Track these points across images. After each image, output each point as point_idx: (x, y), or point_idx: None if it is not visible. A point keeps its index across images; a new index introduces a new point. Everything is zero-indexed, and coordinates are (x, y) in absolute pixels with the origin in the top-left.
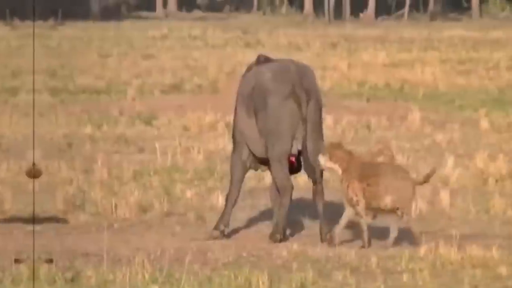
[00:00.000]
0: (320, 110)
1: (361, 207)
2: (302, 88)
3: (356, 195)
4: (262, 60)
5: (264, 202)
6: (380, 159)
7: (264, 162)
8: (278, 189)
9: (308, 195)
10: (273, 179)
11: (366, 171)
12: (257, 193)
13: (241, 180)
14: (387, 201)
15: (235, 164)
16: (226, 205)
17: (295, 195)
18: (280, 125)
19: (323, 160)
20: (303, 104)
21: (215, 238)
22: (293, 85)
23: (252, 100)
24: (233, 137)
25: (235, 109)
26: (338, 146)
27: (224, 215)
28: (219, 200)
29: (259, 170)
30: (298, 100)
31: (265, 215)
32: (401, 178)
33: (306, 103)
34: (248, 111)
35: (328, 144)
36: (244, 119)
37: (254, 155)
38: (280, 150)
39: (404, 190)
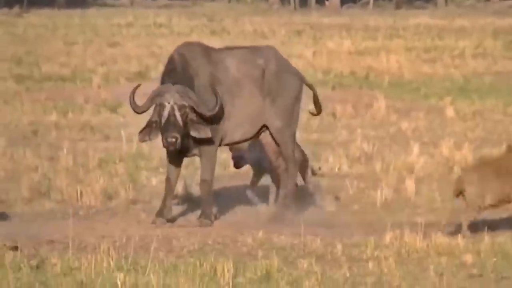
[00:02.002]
0: None
1: None
2: None
3: None
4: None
5: (229, 189)
6: None
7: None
8: (290, 164)
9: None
10: (287, 157)
11: None
12: (222, 180)
13: None
14: None
15: (215, 154)
16: (208, 194)
17: (262, 182)
18: (297, 105)
19: None
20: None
21: (206, 226)
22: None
23: (266, 81)
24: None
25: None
26: None
27: (208, 205)
28: (184, 188)
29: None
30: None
31: (229, 202)
32: None
33: None
34: (255, 93)
35: None
36: (245, 101)
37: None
38: (295, 128)
39: None
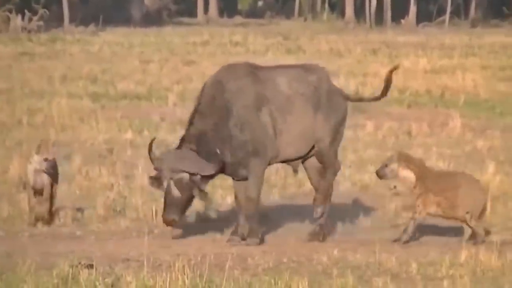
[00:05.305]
0: None
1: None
2: None
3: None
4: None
5: (304, 207)
6: None
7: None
8: (329, 171)
9: (349, 202)
10: (328, 167)
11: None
12: (298, 198)
13: None
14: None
15: (262, 173)
16: (254, 211)
17: (334, 202)
18: (343, 126)
19: (395, 167)
20: None
21: (253, 245)
22: None
23: (319, 99)
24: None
25: (284, 111)
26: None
27: (255, 223)
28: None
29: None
30: None
31: (305, 220)
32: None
33: None
34: (310, 110)
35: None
36: (306, 118)
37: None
38: (338, 147)
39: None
